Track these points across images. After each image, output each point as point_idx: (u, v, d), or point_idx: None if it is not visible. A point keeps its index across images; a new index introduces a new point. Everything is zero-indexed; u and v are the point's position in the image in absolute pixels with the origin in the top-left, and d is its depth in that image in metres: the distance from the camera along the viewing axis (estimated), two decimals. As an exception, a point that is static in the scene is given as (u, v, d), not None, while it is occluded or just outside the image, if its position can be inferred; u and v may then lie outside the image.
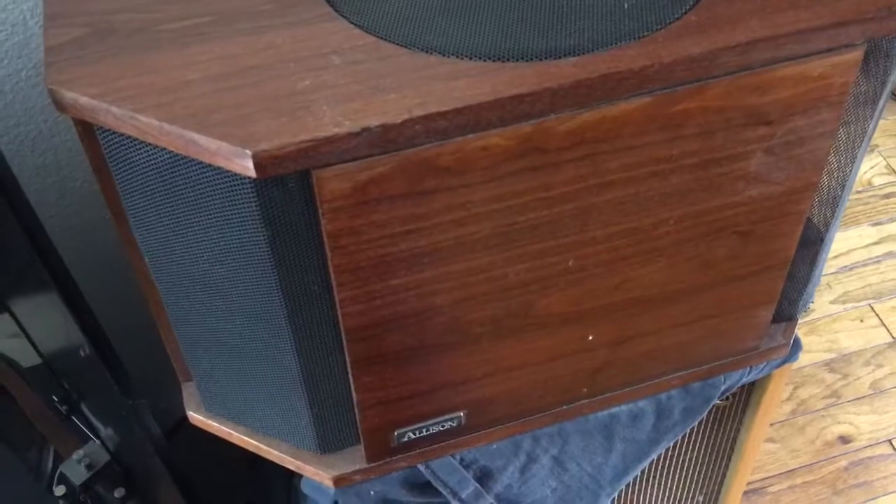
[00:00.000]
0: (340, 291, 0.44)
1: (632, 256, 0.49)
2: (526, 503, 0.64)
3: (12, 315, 0.64)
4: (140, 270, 0.51)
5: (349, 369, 0.49)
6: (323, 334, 0.48)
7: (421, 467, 0.58)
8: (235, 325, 0.49)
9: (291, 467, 0.57)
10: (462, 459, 0.59)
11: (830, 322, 1.47)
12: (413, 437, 0.55)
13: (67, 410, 0.82)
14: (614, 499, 0.73)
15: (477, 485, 0.60)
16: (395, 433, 0.54)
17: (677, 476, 0.73)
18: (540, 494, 0.64)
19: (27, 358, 0.74)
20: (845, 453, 1.39)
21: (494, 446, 0.60)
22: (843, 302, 1.51)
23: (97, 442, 0.81)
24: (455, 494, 0.59)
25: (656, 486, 0.73)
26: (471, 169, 0.41)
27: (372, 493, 0.58)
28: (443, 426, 0.55)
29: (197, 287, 0.47)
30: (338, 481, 0.56)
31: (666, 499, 0.75)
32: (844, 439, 1.40)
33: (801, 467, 1.38)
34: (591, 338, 0.53)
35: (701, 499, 0.77)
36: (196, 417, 0.59)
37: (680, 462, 0.72)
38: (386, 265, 0.44)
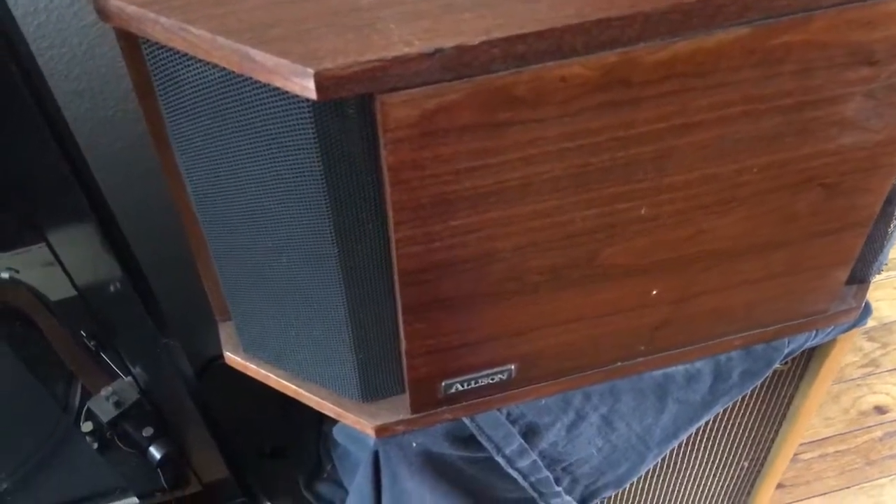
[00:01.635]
0: (398, 231, 0.41)
1: (709, 206, 0.46)
2: (570, 461, 0.62)
3: (48, 244, 0.62)
4: (181, 202, 0.49)
5: (399, 315, 0.46)
6: (374, 276, 0.45)
7: (466, 421, 0.56)
8: (281, 263, 0.46)
9: (331, 414, 0.55)
10: (509, 414, 0.56)
11: (872, 290, 1.43)
12: (460, 388, 0.52)
13: (96, 346, 0.80)
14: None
15: (522, 441, 0.57)
16: (443, 384, 0.51)
17: (724, 440, 0.70)
18: (585, 453, 0.62)
19: (58, 291, 0.72)
20: (880, 423, 1.36)
21: (543, 402, 0.57)
22: (887, 269, 1.46)
23: (126, 379, 0.79)
24: (499, 450, 0.57)
25: (701, 448, 0.71)
26: (547, 101, 0.38)
27: (414, 444, 0.56)
28: (492, 379, 0.52)
29: (242, 220, 0.45)
30: (380, 431, 0.53)
31: (710, 462, 0.72)
32: (880, 409, 1.37)
33: (834, 436, 1.35)
34: (654, 292, 0.50)
35: (746, 464, 0.74)
36: (233, 359, 0.57)
37: (728, 425, 0.69)
38: (448, 204, 0.41)
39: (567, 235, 0.44)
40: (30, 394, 0.80)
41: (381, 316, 0.48)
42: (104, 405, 0.79)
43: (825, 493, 1.34)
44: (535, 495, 0.63)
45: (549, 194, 0.42)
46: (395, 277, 0.44)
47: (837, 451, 1.34)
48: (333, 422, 0.85)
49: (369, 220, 0.42)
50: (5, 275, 0.72)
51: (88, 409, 0.80)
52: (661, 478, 0.73)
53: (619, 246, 0.46)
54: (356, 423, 0.54)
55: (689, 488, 0.75)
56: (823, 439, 1.34)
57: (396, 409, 0.54)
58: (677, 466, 0.72)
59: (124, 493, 0.79)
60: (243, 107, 0.38)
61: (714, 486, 0.76)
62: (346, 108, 0.37)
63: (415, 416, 0.53)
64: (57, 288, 0.72)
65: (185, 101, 0.39)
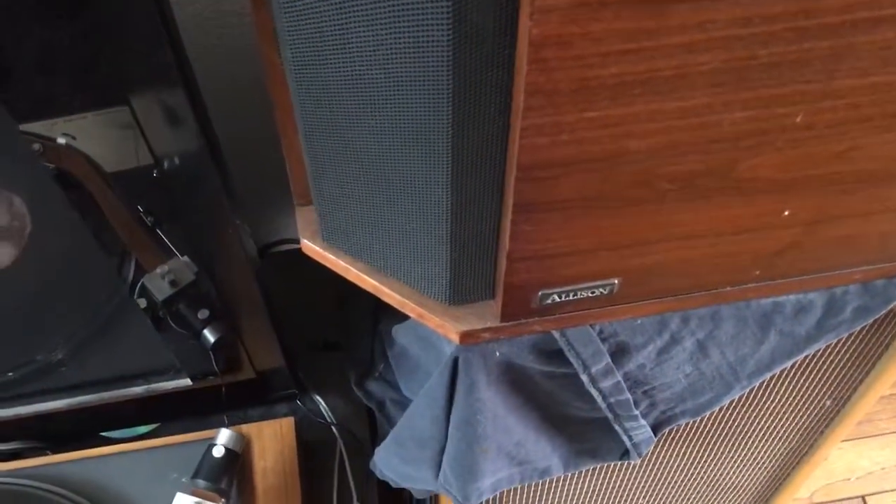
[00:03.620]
0: (525, 118, 0.36)
1: (872, 119, 0.40)
2: (653, 385, 0.58)
3: (130, 108, 0.58)
4: (272, 67, 0.44)
5: (508, 214, 0.42)
6: (486, 169, 0.40)
7: (555, 334, 0.52)
8: (383, 145, 0.41)
9: (412, 315, 0.51)
10: (601, 331, 0.52)
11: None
12: (557, 299, 0.48)
13: (153, 222, 0.77)
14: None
15: (610, 360, 0.54)
16: (539, 294, 0.47)
17: (811, 377, 0.66)
18: (670, 379, 0.58)
19: (116, 162, 0.68)
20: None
21: (639, 321, 0.53)
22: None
23: (182, 259, 0.77)
24: (585, 368, 0.53)
25: (784, 383, 0.67)
26: (725, -24, 0.32)
27: (497, 354, 0.52)
28: (592, 292, 0.48)
29: (345, 93, 0.40)
30: (464, 337, 0.50)
31: (791, 398, 0.69)
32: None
33: None
34: (787, 213, 0.45)
35: (828, 402, 0.70)
36: (310, 247, 0.53)
37: (818, 362, 0.65)
38: (588, 92, 0.35)
39: (710, 140, 0.39)
40: (85, 263, 0.77)
41: (485, 214, 0.43)
42: (159, 283, 0.77)
43: (877, 435, 1.31)
44: (610, 416, 0.60)
45: (701, 90, 0.37)
46: (512, 172, 0.39)
47: (892, 394, 1.31)
48: (390, 321, 0.82)
49: (492, 103, 0.37)
50: (62, 140, 0.69)
51: (143, 285, 0.77)
52: (736, 409, 0.69)
53: (763, 157, 0.41)
54: (439, 326, 0.50)
55: (763, 422, 0.72)
56: None
57: (483, 316, 0.50)
58: (755, 400, 0.68)
59: (178, 374, 0.77)
60: (370, -44, 0.32)
61: (790, 421, 0.73)
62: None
63: (503, 324, 0.50)
64: (114, 159, 0.68)
65: (300, -54, 0.34)
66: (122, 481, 0.78)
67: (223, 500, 0.73)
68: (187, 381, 0.79)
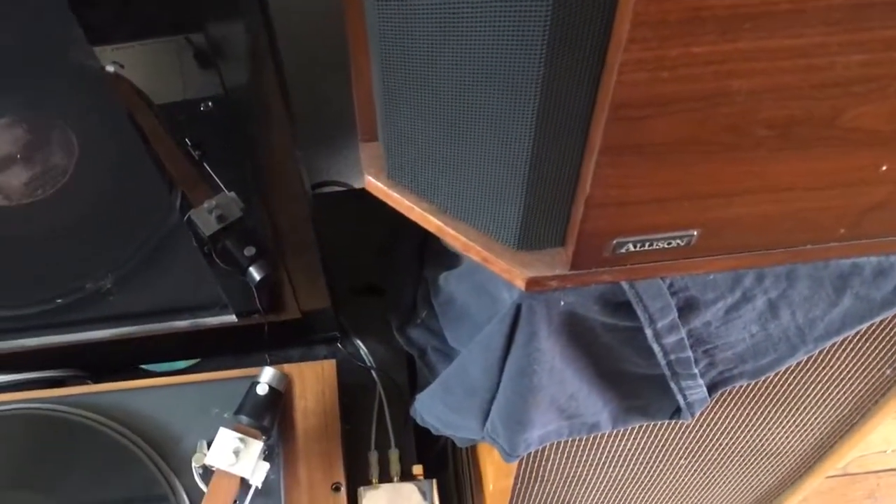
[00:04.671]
0: (627, 51, 0.34)
1: None
2: (715, 344, 0.56)
3: (188, 39, 0.56)
4: (351, -6, 0.42)
5: (593, 156, 0.40)
6: (575, 107, 0.38)
7: (625, 285, 0.50)
8: (464, 77, 0.39)
9: (477, 258, 0.50)
10: (671, 285, 0.51)
11: None
12: (632, 249, 0.46)
13: (200, 156, 0.76)
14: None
15: (676, 316, 0.52)
16: (614, 242, 0.45)
17: (875, 343, 0.64)
18: (735, 338, 0.56)
19: (164, 94, 0.67)
20: None
21: (712, 277, 0.51)
22: None
23: (230, 195, 0.75)
24: (652, 322, 0.52)
25: (846, 348, 0.65)
26: None
27: (562, 303, 0.51)
28: (668, 243, 0.46)
29: (429, 20, 0.38)
30: (531, 284, 0.48)
31: (851, 364, 0.67)
32: None
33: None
34: (884, 168, 0.43)
35: (889, 371, 0.68)
36: (374, 184, 0.51)
37: (883, 329, 0.63)
38: (697, 24, 0.33)
39: (818, 84, 0.37)
40: (133, 194, 0.76)
41: (566, 157, 0.41)
42: (206, 218, 0.76)
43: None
44: (668, 374, 0.58)
45: (816, 27, 0.34)
46: (603, 110, 0.37)
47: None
48: (435, 268, 0.81)
49: (590, 34, 0.35)
50: (111, 69, 0.67)
51: (190, 219, 0.76)
52: (793, 374, 0.67)
53: (870, 106, 0.38)
54: (504, 271, 0.49)
55: (818, 388, 0.70)
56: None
57: (552, 264, 0.48)
58: (813, 365, 0.66)
59: (224, 310, 0.77)
60: None
61: (846, 389, 0.71)
62: None
63: (572, 272, 0.48)
64: (163, 91, 0.67)
65: None
66: (164, 413, 0.78)
67: (265, 437, 0.73)
68: (232, 318, 0.78)
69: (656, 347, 0.54)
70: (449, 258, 0.73)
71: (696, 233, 0.45)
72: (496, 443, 0.64)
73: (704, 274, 0.50)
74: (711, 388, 0.62)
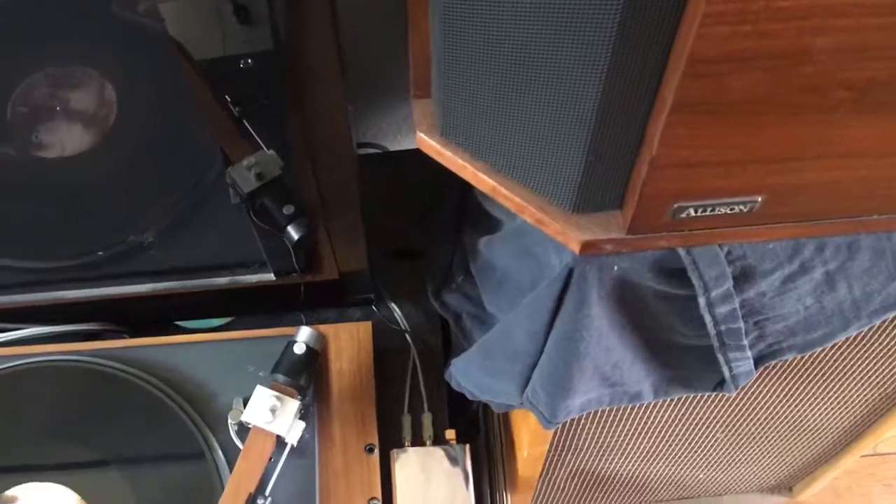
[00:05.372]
0: (711, 2, 0.32)
1: None
2: (767, 316, 0.55)
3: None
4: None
5: (663, 114, 0.38)
6: (646, 62, 0.37)
7: (681, 252, 0.49)
8: (531, 27, 0.38)
9: (530, 220, 0.49)
10: (729, 252, 0.49)
11: None
12: (692, 214, 0.45)
13: (240, 113, 0.75)
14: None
15: (731, 285, 0.51)
16: (675, 206, 0.44)
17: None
18: (788, 310, 0.55)
19: (205, 49, 0.66)
20: None
21: (771, 245, 0.50)
22: None
23: (269, 153, 0.75)
24: (706, 290, 0.50)
25: (893, 329, 0.63)
26: None
27: (615, 268, 0.49)
28: (731, 209, 0.45)
29: (500, -33, 0.36)
30: (585, 247, 0.47)
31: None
32: None
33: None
34: (963, 137, 0.41)
35: (938, 351, 0.67)
36: (426, 141, 0.50)
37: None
38: (785, -25, 0.32)
39: (905, 44, 0.35)
40: (174, 148, 0.76)
41: (633, 113, 0.40)
42: (245, 175, 0.75)
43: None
44: (716, 344, 0.57)
45: (911, -17, 0.32)
46: (679, 65, 0.36)
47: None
48: (473, 232, 0.80)
49: (669, -15, 0.33)
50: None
51: (229, 176, 0.76)
52: (840, 349, 0.66)
53: (957, 69, 0.37)
54: (559, 233, 0.48)
55: (864, 365, 0.69)
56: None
57: (608, 227, 0.47)
58: (862, 340, 0.65)
59: (262, 268, 0.76)
60: None
61: (891, 366, 0.70)
62: None
63: (628, 236, 0.47)
64: (205, 46, 0.66)
65: None
66: (199, 370, 0.78)
67: (301, 397, 0.72)
68: (270, 276, 0.78)
69: (707, 317, 0.53)
70: (489, 223, 0.72)
71: (760, 199, 0.44)
72: (536, 409, 0.64)
73: (764, 242, 0.49)
74: (758, 361, 0.60)
